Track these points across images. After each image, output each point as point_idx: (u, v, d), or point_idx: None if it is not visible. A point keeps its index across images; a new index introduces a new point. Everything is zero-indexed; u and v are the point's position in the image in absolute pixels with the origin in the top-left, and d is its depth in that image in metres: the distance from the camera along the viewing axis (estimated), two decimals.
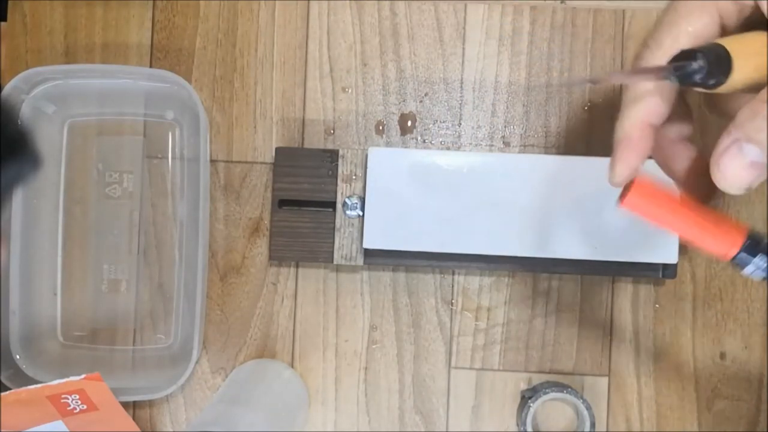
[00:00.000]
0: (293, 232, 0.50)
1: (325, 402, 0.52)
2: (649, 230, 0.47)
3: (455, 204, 0.48)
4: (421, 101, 0.53)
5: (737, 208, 0.51)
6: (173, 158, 0.53)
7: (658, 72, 0.29)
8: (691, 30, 0.30)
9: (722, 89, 0.28)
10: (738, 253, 0.32)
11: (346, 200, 0.49)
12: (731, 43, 0.28)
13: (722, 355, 0.51)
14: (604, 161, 0.47)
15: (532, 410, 0.49)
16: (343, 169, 0.49)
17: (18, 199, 0.52)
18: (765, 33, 0.29)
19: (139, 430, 0.50)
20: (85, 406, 0.45)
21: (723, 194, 0.30)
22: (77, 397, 0.45)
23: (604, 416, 0.51)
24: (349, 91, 0.53)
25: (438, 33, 0.52)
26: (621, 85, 0.34)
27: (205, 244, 0.51)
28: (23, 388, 0.44)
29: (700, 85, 0.28)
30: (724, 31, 0.31)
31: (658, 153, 0.35)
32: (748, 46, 0.29)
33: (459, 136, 0.52)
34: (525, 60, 0.52)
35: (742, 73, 0.28)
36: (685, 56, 0.28)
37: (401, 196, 0.48)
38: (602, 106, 0.52)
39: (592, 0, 0.52)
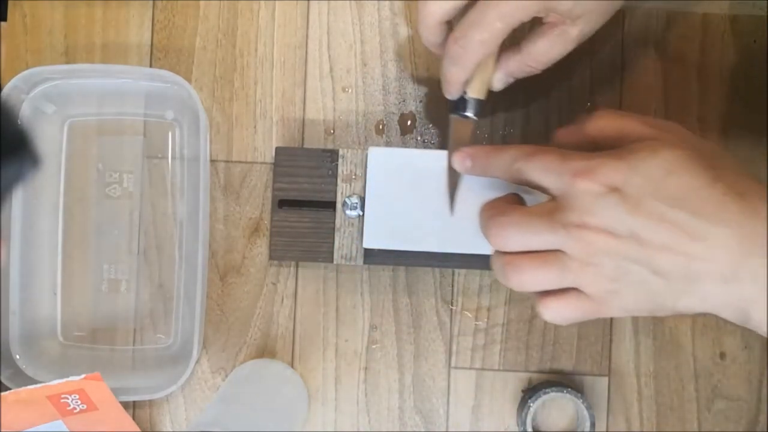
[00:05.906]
0: (293, 232, 0.50)
1: (325, 402, 0.52)
2: None
3: (455, 204, 0.48)
4: (421, 101, 0.53)
5: None
6: (173, 158, 0.53)
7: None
8: None
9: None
10: None
11: (346, 200, 0.49)
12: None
13: (722, 355, 0.51)
14: None
15: (532, 410, 0.49)
16: (343, 169, 0.49)
17: (18, 199, 0.52)
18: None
19: (139, 429, 0.50)
20: (84, 406, 0.45)
21: None
22: (77, 396, 0.45)
23: (604, 416, 0.51)
24: (349, 91, 0.53)
25: None
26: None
27: (205, 244, 0.51)
28: (23, 388, 0.44)
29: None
30: None
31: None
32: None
33: None
34: None
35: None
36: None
37: (401, 196, 0.48)
38: (602, 106, 0.52)
39: None
